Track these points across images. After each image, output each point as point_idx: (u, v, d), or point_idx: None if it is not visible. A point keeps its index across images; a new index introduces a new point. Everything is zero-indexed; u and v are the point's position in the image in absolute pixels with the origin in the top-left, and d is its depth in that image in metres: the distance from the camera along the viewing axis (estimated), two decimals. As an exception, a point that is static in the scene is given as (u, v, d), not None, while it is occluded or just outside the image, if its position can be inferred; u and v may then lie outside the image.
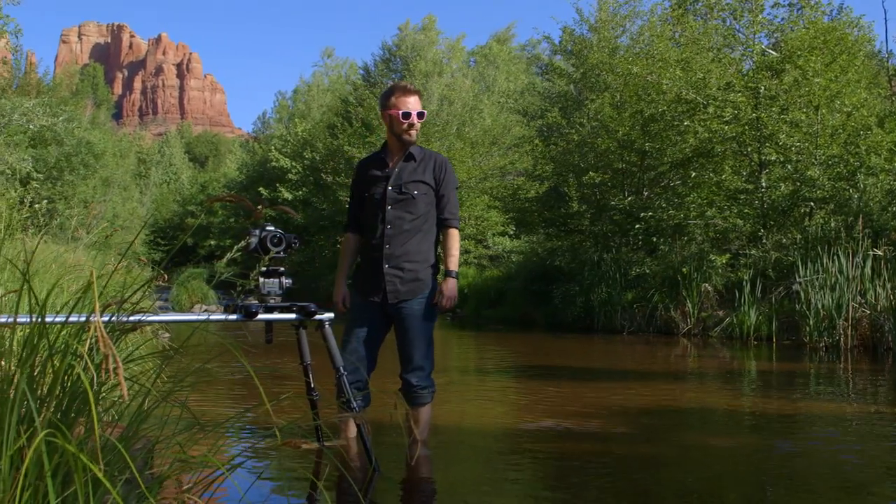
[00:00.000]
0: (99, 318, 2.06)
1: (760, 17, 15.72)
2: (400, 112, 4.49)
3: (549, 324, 17.28)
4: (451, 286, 4.49)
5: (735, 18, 16.24)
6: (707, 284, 14.30)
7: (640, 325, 15.14)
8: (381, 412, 4.90)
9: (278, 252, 4.12)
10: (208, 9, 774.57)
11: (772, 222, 14.77)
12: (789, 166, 14.61)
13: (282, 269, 4.15)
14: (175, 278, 26.31)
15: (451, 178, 4.66)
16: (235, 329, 4.43)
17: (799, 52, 14.18)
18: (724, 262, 14.41)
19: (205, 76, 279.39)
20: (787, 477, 4.39)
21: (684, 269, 14.51)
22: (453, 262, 4.55)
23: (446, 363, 11.35)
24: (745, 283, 13.37)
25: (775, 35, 16.20)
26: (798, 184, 14.33)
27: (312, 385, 4.30)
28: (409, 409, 4.56)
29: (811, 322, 11.86)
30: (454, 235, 4.61)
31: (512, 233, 28.05)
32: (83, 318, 2.41)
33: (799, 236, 13.85)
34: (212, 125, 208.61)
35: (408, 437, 4.58)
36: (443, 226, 4.62)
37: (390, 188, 4.53)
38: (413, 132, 4.54)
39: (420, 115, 4.51)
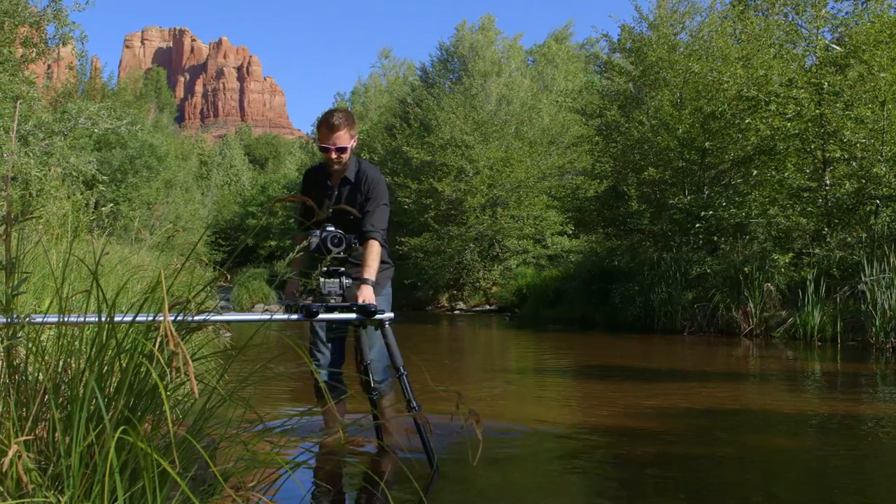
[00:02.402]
0: (167, 317, 2.10)
1: (824, 11, 15.41)
2: (320, 146, 4.71)
3: (609, 324, 17.18)
4: (364, 292, 4.40)
5: (797, 13, 15.95)
6: (769, 284, 14.08)
7: (700, 325, 14.98)
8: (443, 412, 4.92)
9: (339, 252, 4.15)
10: (268, 11, 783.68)
11: (836, 220, 14.50)
12: (854, 163, 14.32)
13: (342, 269, 4.18)
14: (236, 279, 26.65)
15: (378, 195, 4.75)
16: (294, 328, 4.47)
17: (864, 47, 13.90)
18: (786, 261, 14.18)
19: (264, 79, 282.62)
20: (851, 480, 4.31)
21: (746, 269, 14.32)
22: (367, 271, 4.50)
23: (505, 363, 11.34)
24: (808, 282, 13.16)
25: (839, 29, 15.89)
26: (863, 181, 14.04)
27: (373, 384, 4.34)
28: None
29: (877, 322, 11.63)
30: (371, 246, 4.60)
31: (570, 232, 27.96)
32: (150, 318, 2.46)
33: (864, 234, 13.59)
34: (271, 127, 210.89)
35: (469, 437, 4.58)
36: (363, 238, 4.61)
37: (331, 211, 4.64)
38: (336, 165, 4.71)
39: (339, 149, 4.66)
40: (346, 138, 4.68)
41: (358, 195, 4.72)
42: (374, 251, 4.60)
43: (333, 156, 4.65)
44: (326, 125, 4.67)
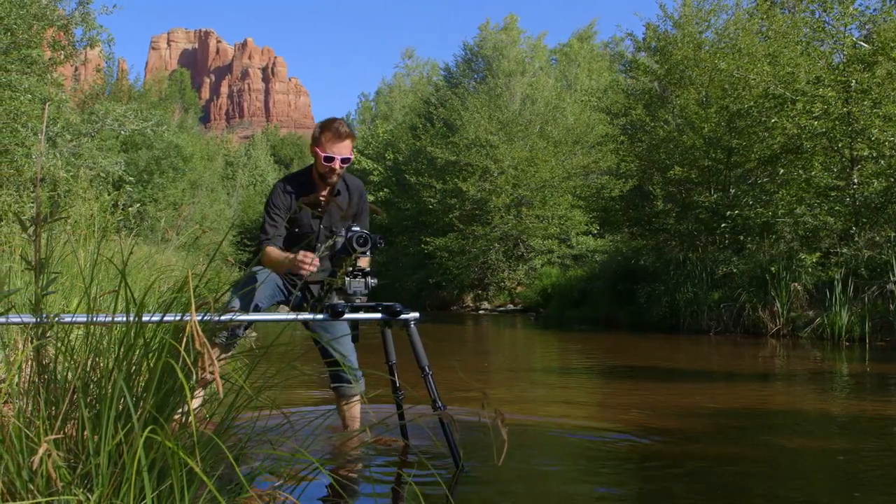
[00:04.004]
0: (194, 317, 2.12)
1: (851, 8, 15.28)
2: (323, 155, 4.42)
3: (634, 324, 17.12)
4: None
5: (824, 10, 15.82)
6: (797, 284, 13.99)
7: (726, 325, 14.90)
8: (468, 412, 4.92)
9: (364, 252, 4.15)
10: (293, 13, 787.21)
11: (864, 219, 14.37)
12: (882, 161, 14.20)
13: (367, 268, 4.17)
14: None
15: (366, 207, 4.69)
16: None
17: (892, 44, 13.76)
18: (814, 260, 14.08)
19: (289, 79, 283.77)
20: (881, 482, 4.27)
21: (773, 268, 14.22)
22: None
23: (530, 363, 11.32)
24: (836, 282, 13.05)
25: (867, 26, 15.73)
26: (892, 179, 13.91)
27: (398, 384, 4.34)
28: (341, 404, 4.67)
29: (906, 322, 11.54)
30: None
31: (596, 232, 27.89)
32: (178, 318, 2.48)
33: (893, 234, 13.46)
34: (296, 127, 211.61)
35: (495, 437, 4.58)
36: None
37: (322, 227, 4.51)
38: (334, 177, 4.47)
39: (344, 160, 4.43)
40: (351, 148, 4.50)
41: (350, 207, 4.61)
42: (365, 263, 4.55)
43: (338, 167, 4.44)
44: (333, 132, 4.44)
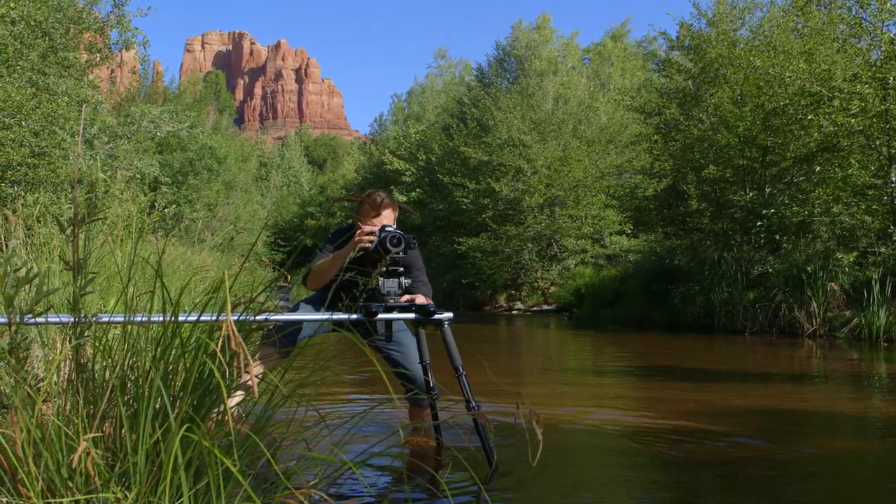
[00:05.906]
0: (230, 317, 2.13)
1: (889, 4, 15.07)
2: (366, 228, 4.37)
3: (668, 324, 17.02)
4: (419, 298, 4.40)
5: (861, 7, 15.62)
6: (833, 283, 13.85)
7: (762, 325, 14.77)
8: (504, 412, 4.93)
9: (398, 252, 4.16)
10: (326, 14, 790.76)
11: (903, 218, 14.20)
12: (922, 160, 14.03)
13: (401, 269, 4.18)
14: (295, 279, 26.91)
15: (416, 260, 4.59)
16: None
17: (931, 41, 13.59)
18: (851, 260, 13.93)
19: (322, 80, 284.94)
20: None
21: (809, 268, 14.09)
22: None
23: (563, 363, 11.29)
24: (874, 282, 12.91)
25: (905, 22, 15.54)
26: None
27: (432, 384, 4.35)
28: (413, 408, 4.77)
29: (946, 322, 11.38)
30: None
31: (629, 232, 27.78)
32: (214, 318, 2.50)
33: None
34: (329, 128, 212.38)
35: (529, 437, 4.57)
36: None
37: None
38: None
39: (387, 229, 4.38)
40: (394, 218, 4.53)
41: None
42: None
43: None
44: (371, 205, 4.47)
